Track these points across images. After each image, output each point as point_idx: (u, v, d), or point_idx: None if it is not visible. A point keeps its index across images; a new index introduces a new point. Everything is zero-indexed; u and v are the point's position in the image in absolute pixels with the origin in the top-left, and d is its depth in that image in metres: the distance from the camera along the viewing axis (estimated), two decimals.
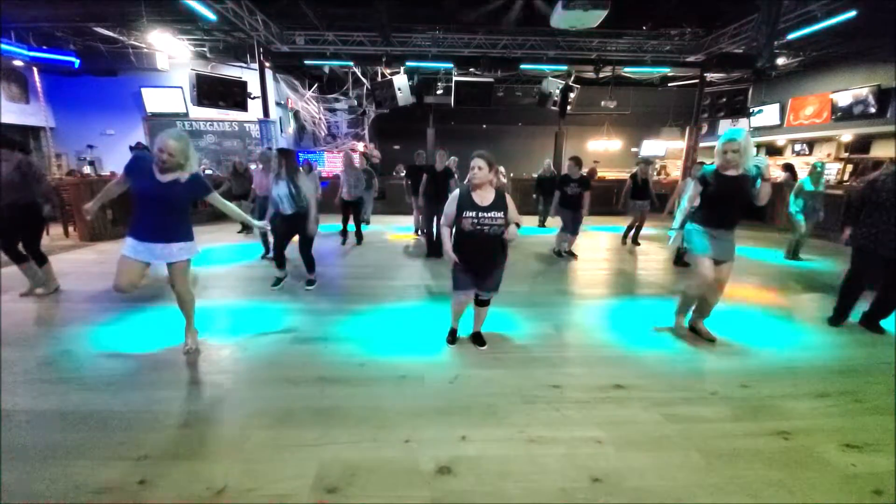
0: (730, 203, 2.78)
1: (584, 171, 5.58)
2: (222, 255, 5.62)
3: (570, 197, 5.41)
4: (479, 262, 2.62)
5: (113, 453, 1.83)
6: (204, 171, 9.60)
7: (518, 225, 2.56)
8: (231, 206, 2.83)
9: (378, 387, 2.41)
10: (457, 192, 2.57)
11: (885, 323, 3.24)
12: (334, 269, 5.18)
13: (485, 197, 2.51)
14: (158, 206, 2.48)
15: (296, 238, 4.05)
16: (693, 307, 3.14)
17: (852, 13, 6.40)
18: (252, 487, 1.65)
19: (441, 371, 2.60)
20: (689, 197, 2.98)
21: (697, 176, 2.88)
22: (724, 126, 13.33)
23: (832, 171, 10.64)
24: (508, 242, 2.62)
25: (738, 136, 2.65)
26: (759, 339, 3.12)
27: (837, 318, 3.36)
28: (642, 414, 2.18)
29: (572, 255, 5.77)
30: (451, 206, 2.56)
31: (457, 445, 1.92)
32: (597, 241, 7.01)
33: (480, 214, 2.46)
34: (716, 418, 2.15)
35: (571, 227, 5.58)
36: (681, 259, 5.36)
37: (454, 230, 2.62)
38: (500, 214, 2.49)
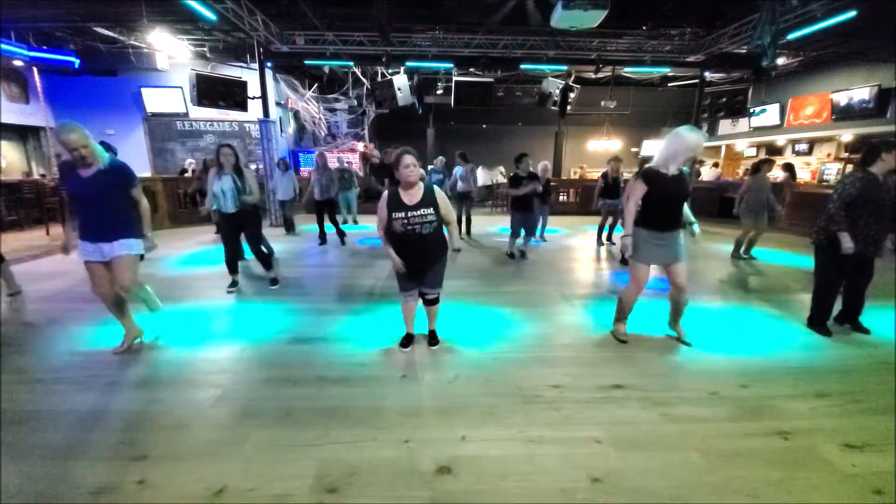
0: (676, 204, 2.72)
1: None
2: (219, 255, 5.60)
3: (522, 198, 5.17)
4: (415, 261, 2.58)
5: (112, 453, 1.83)
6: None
7: (450, 223, 2.60)
8: (143, 210, 2.71)
9: (378, 387, 2.41)
10: (385, 194, 2.51)
11: (864, 319, 3.23)
12: (332, 269, 5.19)
13: (413, 195, 2.47)
14: (91, 203, 2.46)
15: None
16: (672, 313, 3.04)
17: (852, 13, 6.39)
18: (251, 487, 1.65)
19: (441, 371, 2.60)
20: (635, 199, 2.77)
21: (643, 175, 2.70)
22: (725, 126, 13.34)
23: (832, 170, 10.64)
24: (454, 251, 2.65)
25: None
26: (759, 340, 3.12)
27: (822, 323, 3.23)
28: (642, 414, 2.18)
29: (524, 255, 5.58)
30: (381, 210, 2.50)
31: (456, 445, 1.92)
32: (596, 240, 7.00)
33: (409, 214, 2.42)
34: (715, 418, 2.15)
35: (527, 229, 5.39)
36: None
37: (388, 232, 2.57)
38: (431, 211, 2.45)
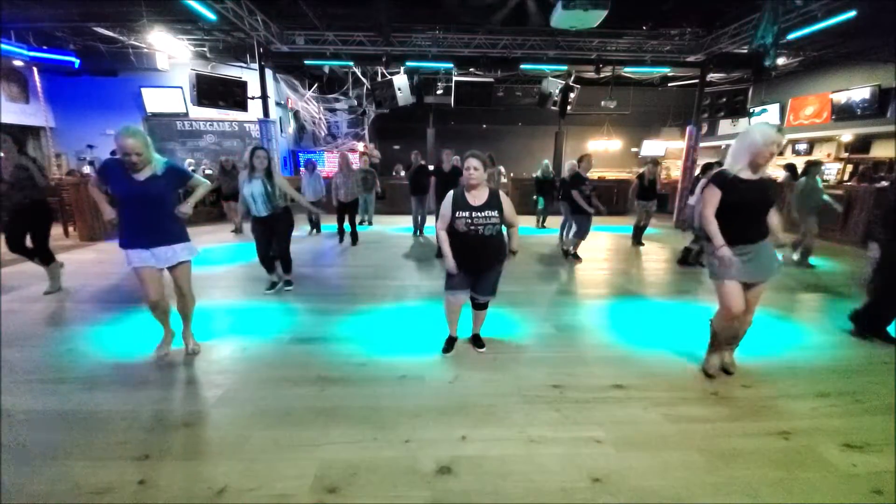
0: (754, 213, 2.36)
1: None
2: (222, 256, 5.62)
3: (587, 199, 5.17)
4: (473, 262, 2.58)
5: (113, 453, 1.84)
6: (204, 171, 9.60)
7: (514, 228, 2.61)
8: (205, 187, 2.74)
9: (378, 387, 2.41)
10: (451, 193, 2.55)
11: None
12: (334, 269, 5.19)
13: (478, 196, 2.50)
14: (145, 206, 2.41)
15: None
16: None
17: (852, 13, 6.39)
18: (252, 487, 1.65)
19: (441, 371, 2.60)
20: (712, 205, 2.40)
21: (715, 179, 2.36)
22: (725, 126, 13.33)
23: (832, 170, 10.64)
24: (511, 252, 2.64)
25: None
26: (759, 340, 3.12)
27: (880, 329, 3.07)
28: (642, 414, 2.18)
29: (577, 258, 5.61)
30: (445, 208, 2.53)
31: (457, 445, 1.92)
32: (597, 241, 7.01)
33: (474, 214, 2.45)
34: (716, 418, 2.15)
35: (582, 231, 5.40)
36: (686, 259, 5.35)
37: (450, 231, 2.58)
38: (495, 213, 2.47)
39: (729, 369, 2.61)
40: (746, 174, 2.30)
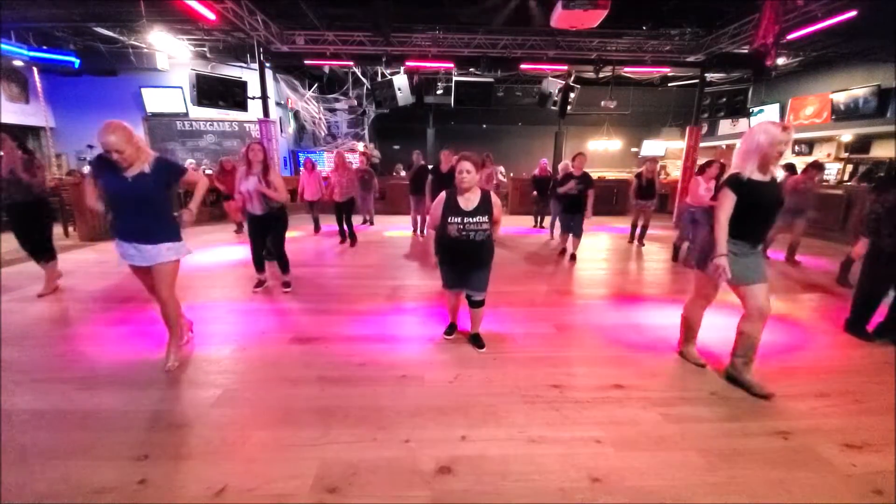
0: (768, 214, 2.33)
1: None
2: (222, 255, 5.62)
3: (571, 198, 5.21)
4: (464, 264, 2.66)
5: (113, 453, 1.84)
6: (204, 172, 9.60)
7: (497, 224, 2.62)
8: (202, 185, 2.69)
9: (378, 386, 2.41)
10: (443, 195, 2.56)
11: None
12: (334, 269, 5.19)
13: (470, 200, 2.51)
14: (132, 204, 2.37)
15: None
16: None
17: (852, 13, 6.39)
18: (252, 487, 1.65)
19: (441, 371, 2.60)
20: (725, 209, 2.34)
21: (730, 182, 2.30)
22: (725, 126, 13.33)
23: (832, 170, 10.64)
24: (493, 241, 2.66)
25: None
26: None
27: (862, 327, 3.16)
28: (642, 414, 2.18)
29: (573, 258, 5.54)
30: (436, 209, 2.56)
31: (457, 445, 1.92)
32: (597, 241, 7.01)
33: (465, 220, 2.47)
34: (715, 418, 2.15)
35: (575, 230, 5.43)
36: (677, 256, 5.45)
37: (440, 232, 2.61)
38: (486, 219, 2.50)
39: (758, 391, 2.37)
40: (758, 176, 2.26)
